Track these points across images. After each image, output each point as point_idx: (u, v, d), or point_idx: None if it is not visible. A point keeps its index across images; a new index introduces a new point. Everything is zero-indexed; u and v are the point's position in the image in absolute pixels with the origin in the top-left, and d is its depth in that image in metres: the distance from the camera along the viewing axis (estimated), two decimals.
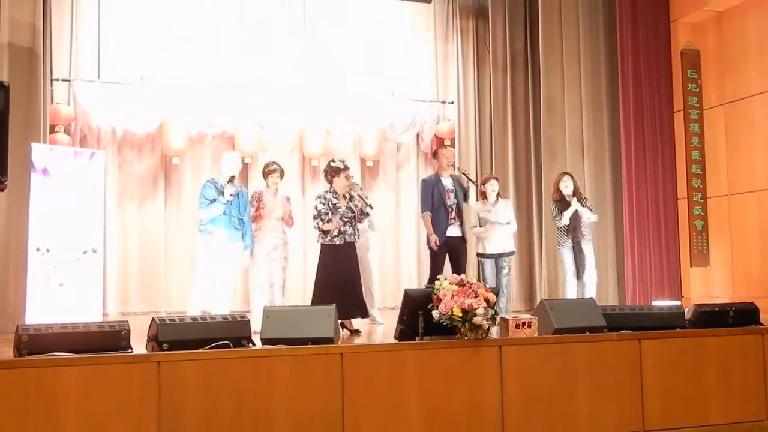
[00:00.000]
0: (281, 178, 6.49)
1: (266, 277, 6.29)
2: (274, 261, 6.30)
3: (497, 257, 6.78)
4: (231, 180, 6.10)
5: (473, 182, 6.55)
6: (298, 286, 8.50)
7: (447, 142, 9.31)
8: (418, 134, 9.45)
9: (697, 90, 8.63)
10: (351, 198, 6.13)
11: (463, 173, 6.53)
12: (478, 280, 6.71)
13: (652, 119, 8.63)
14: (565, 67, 8.63)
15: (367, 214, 6.18)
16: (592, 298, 5.49)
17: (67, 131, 7.93)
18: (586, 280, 6.72)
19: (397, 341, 4.18)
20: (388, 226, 9.04)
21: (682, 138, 8.61)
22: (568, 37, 8.65)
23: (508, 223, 6.81)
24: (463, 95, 9.27)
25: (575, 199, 6.79)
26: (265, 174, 6.48)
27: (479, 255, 6.86)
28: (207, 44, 8.55)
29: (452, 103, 9.38)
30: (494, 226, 6.74)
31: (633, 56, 8.60)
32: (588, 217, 6.81)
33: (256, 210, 6.30)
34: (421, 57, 9.45)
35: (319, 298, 5.59)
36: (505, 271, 6.78)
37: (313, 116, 8.81)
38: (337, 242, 5.84)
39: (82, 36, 8.18)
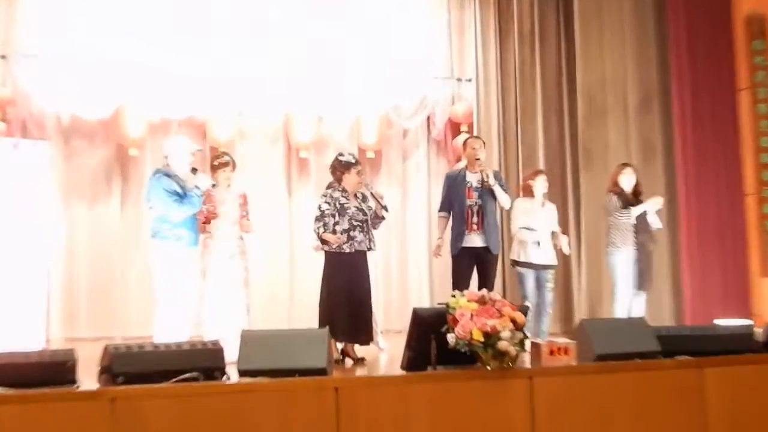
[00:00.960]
0: (233, 171, 6.56)
1: (221, 294, 6.27)
2: (232, 273, 6.31)
3: (541, 269, 6.78)
4: (194, 170, 6.09)
5: (490, 184, 6.49)
6: (282, 306, 8.53)
7: (464, 128, 9.30)
8: (428, 118, 9.42)
9: (766, 64, 8.63)
10: (364, 198, 6.20)
11: (481, 165, 6.54)
12: (504, 295, 6.71)
13: (711, 101, 8.66)
14: (605, 41, 8.71)
15: (383, 217, 6.23)
16: (642, 317, 5.52)
17: (3, 118, 7.91)
18: (643, 294, 6.77)
19: (404, 372, 4.18)
20: (392, 229, 9.02)
21: (748, 122, 8.62)
22: (610, 6, 8.67)
23: (553, 231, 6.87)
24: (483, 71, 9.25)
25: (654, 199, 6.82)
26: (215, 168, 6.52)
27: (517, 264, 6.83)
28: (173, 12, 8.51)
29: (470, 80, 9.37)
30: (539, 231, 6.77)
31: (687, 27, 8.66)
32: (654, 222, 6.87)
33: (207, 212, 6.28)
34: (431, 26, 9.41)
35: (327, 319, 5.70)
36: (549, 286, 6.82)
37: (301, 98, 8.78)
38: (346, 250, 5.93)
39: (20, 2, 8.15)
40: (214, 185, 6.25)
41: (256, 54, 8.66)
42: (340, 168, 6.11)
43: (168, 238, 5.96)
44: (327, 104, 8.93)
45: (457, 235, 6.48)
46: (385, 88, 9.13)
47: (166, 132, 8.50)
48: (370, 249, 6.13)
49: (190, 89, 8.47)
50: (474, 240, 6.44)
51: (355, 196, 6.13)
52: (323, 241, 5.95)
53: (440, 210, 6.77)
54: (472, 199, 6.48)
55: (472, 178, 6.54)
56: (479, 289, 5.87)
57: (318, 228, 5.96)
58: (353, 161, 6.16)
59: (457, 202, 6.51)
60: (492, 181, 6.46)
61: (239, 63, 8.58)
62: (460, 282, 6.31)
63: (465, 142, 6.85)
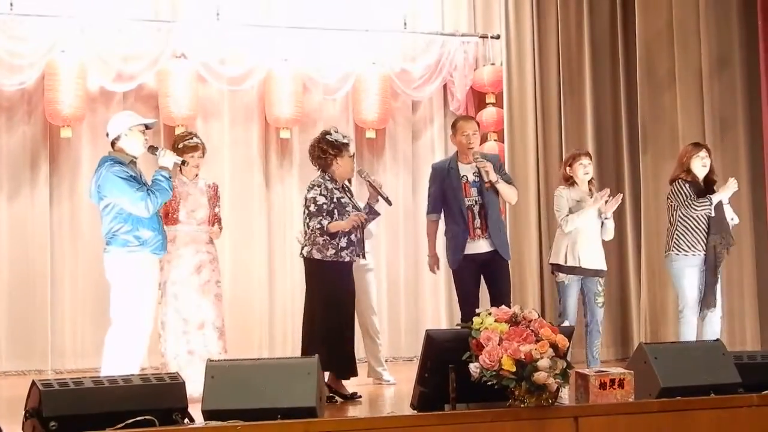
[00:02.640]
0: (203, 157, 6.71)
1: (187, 315, 6.42)
2: (201, 287, 6.47)
3: (591, 276, 7.05)
4: (153, 147, 6.15)
5: (493, 182, 6.58)
6: (258, 327, 8.77)
7: (491, 99, 9.45)
8: (445, 86, 9.61)
9: None
10: (349, 190, 6.42)
11: (477, 160, 6.60)
12: (542, 312, 6.93)
13: None
14: None
15: (378, 213, 6.45)
16: (718, 340, 5.61)
17: None
18: (714, 313, 6.96)
19: (414, 412, 4.38)
20: (400, 231, 9.24)
21: None
22: None
23: (603, 223, 7.09)
24: (515, 26, 9.28)
25: (729, 183, 7.02)
26: (180, 153, 6.54)
27: (558, 268, 7.07)
28: None
29: (497, 37, 9.48)
30: (589, 226, 7.03)
31: None
32: (730, 216, 7.09)
33: (167, 210, 6.44)
34: None
35: (316, 348, 5.68)
36: (600, 300, 7.08)
37: (281, 61, 8.90)
38: (346, 258, 6.13)
39: None
40: (184, 162, 6.31)
41: (227, 8, 8.75)
42: (333, 150, 6.21)
43: (129, 243, 5.94)
44: (314, 69, 9.06)
45: (457, 244, 6.62)
46: (389, 47, 9.25)
47: (108, 106, 8.64)
48: (358, 258, 6.35)
49: (137, 50, 8.62)
50: (479, 246, 6.60)
51: (343, 188, 6.30)
52: (332, 237, 6.06)
53: (430, 212, 6.86)
54: (471, 198, 6.61)
55: (467, 171, 6.65)
56: (491, 304, 6.00)
57: (320, 223, 6.03)
58: (347, 141, 6.31)
59: (453, 202, 6.63)
60: (494, 177, 6.54)
61: (203, 19, 8.70)
62: (468, 300, 6.49)
63: (454, 126, 6.88)
